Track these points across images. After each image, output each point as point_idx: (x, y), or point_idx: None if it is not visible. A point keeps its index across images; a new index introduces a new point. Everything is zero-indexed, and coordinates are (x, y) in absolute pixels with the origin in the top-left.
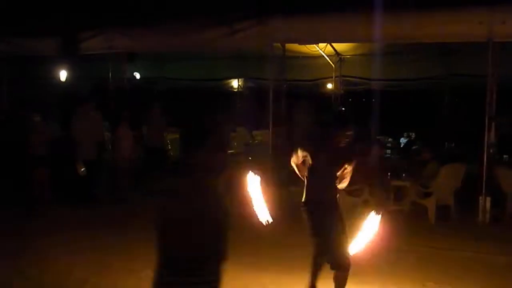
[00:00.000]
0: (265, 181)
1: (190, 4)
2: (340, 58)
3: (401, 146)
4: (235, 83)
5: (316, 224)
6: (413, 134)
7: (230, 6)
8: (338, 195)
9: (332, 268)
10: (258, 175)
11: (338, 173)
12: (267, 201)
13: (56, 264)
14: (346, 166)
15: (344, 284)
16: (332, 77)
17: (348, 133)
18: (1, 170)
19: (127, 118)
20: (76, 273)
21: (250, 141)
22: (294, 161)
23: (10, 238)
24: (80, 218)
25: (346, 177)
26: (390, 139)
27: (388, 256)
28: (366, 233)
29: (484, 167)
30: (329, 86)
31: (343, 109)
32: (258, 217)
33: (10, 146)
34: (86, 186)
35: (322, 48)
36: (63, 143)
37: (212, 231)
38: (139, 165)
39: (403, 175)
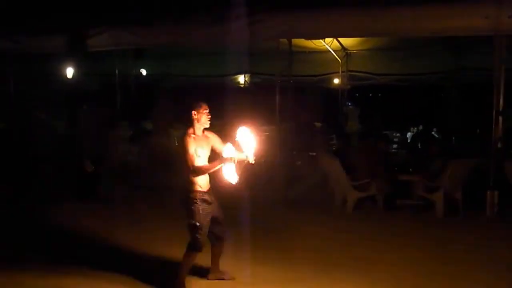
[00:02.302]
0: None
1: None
2: (347, 53)
3: (408, 141)
4: (241, 79)
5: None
6: (421, 127)
7: (236, 2)
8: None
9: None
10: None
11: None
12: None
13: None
14: None
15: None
16: (338, 72)
17: None
18: (6, 166)
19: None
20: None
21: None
22: None
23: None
24: (84, 214)
25: None
26: (397, 134)
27: (396, 250)
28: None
29: (492, 161)
30: (336, 81)
31: None
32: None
33: (16, 143)
34: (91, 183)
35: (328, 43)
36: (69, 140)
37: None
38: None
39: (410, 169)
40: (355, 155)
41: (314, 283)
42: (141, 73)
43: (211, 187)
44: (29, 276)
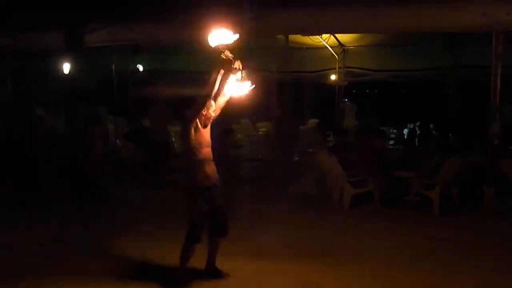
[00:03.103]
0: None
1: None
2: (344, 49)
3: (405, 137)
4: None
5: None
6: (418, 124)
7: None
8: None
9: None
10: None
11: None
12: None
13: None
14: None
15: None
16: (335, 68)
17: None
18: (6, 166)
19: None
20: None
21: (254, 133)
22: None
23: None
24: (84, 214)
25: None
26: (394, 130)
27: (392, 246)
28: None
29: (489, 158)
30: (333, 77)
31: None
32: None
33: (16, 143)
34: (91, 181)
35: (325, 39)
36: (68, 137)
37: None
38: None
39: (407, 166)
40: (352, 152)
41: (310, 278)
42: (138, 69)
43: (215, 179)
44: (27, 277)
